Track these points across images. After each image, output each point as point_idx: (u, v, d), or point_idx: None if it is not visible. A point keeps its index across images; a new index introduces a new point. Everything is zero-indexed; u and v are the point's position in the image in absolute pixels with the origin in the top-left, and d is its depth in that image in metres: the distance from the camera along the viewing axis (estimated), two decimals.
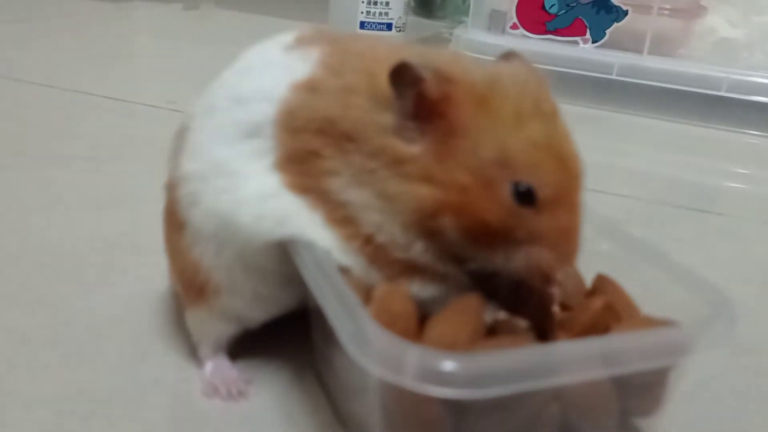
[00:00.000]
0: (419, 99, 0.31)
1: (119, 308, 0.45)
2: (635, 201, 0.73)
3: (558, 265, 0.31)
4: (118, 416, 0.36)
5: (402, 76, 0.31)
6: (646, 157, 0.92)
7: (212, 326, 0.39)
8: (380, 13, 1.30)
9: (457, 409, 0.28)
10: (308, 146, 0.33)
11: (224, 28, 1.43)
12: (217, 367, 0.39)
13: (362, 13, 1.29)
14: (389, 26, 1.33)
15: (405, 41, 0.30)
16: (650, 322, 0.32)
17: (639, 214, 0.70)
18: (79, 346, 0.41)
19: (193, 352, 0.41)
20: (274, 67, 0.36)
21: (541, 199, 0.30)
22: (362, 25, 1.31)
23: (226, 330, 0.39)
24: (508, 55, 0.35)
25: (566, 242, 0.31)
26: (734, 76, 1.02)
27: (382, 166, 0.31)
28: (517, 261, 0.31)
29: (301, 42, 0.37)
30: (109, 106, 0.87)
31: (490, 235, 0.30)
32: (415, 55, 0.32)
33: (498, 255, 0.31)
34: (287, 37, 0.38)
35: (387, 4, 1.29)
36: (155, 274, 0.47)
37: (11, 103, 0.85)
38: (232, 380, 0.38)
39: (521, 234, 0.30)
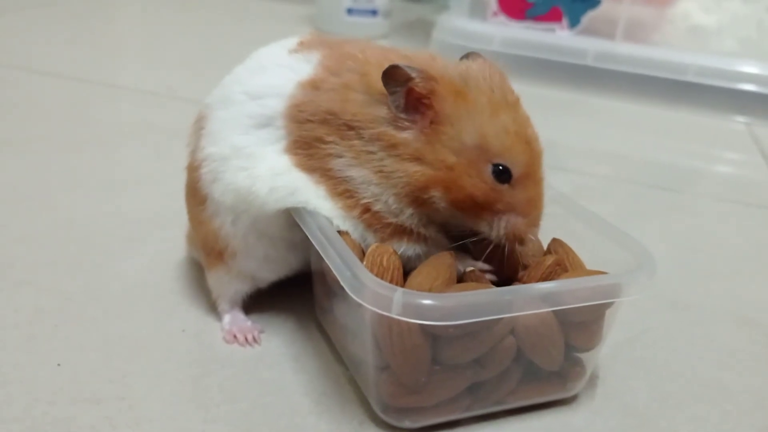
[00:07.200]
0: (409, 94, 0.38)
1: (146, 273, 0.52)
2: (603, 179, 0.80)
3: (528, 228, 0.39)
4: (154, 358, 0.43)
5: (393, 76, 0.38)
6: (615, 139, 0.97)
7: (229, 285, 0.46)
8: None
9: (433, 337, 0.36)
10: (314, 134, 0.40)
11: (210, 13, 1.47)
12: (234, 318, 0.47)
13: None
14: (374, 12, 1.38)
15: (388, 46, 0.36)
16: (588, 273, 0.39)
17: (604, 191, 0.77)
18: (117, 303, 0.48)
19: (212, 307, 0.48)
20: (282, 68, 0.43)
21: (515, 177, 0.38)
22: (349, 11, 1.36)
23: (241, 288, 0.47)
24: (471, 55, 0.42)
25: (534, 209, 0.39)
26: (701, 63, 1.06)
27: (379, 149, 0.38)
28: (498, 227, 0.38)
29: (303, 46, 0.44)
30: (110, 94, 0.93)
31: (475, 207, 0.38)
32: (400, 57, 0.39)
33: (481, 222, 0.38)
34: (291, 41, 0.45)
35: None
36: (172, 244, 0.55)
37: (19, 91, 0.90)
38: (247, 329, 0.46)
39: (500, 206, 0.38)
